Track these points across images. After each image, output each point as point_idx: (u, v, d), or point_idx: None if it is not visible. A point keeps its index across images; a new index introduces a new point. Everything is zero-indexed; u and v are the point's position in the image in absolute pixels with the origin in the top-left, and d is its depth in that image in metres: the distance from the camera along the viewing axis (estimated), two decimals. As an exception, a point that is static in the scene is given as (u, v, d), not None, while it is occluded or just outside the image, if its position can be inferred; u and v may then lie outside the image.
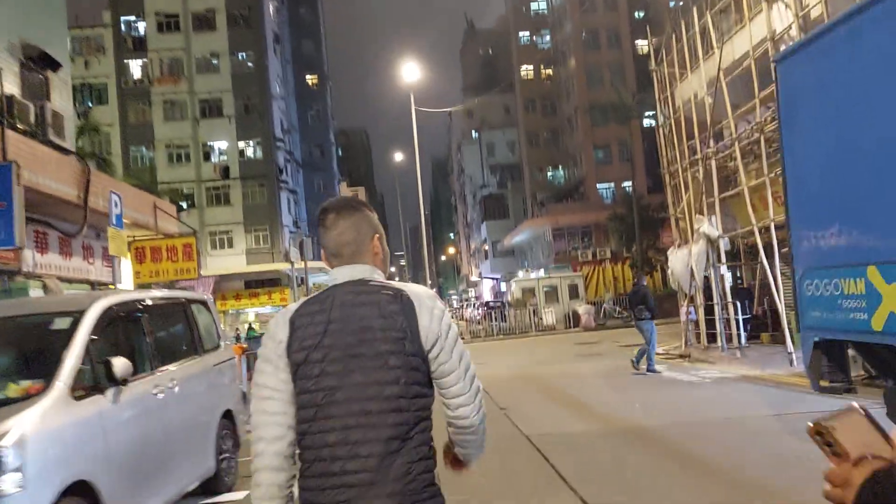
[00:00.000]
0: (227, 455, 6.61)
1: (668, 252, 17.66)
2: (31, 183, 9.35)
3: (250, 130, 46.12)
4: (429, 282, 46.29)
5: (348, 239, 1.90)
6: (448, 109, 67.74)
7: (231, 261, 43.17)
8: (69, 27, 18.31)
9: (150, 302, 5.73)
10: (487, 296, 63.95)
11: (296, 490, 1.78)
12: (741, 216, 15.91)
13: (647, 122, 50.82)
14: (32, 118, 12.45)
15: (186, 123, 45.52)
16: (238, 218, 44.89)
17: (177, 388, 5.62)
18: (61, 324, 4.76)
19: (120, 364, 4.64)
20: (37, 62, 12.66)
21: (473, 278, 74.46)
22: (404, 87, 29.38)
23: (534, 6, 65.62)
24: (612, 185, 53.65)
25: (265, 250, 44.41)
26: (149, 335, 5.50)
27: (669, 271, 17.43)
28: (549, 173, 62.71)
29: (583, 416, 9.38)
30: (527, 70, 64.10)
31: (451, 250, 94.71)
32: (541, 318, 30.96)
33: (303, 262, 16.87)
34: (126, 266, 12.61)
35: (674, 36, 18.08)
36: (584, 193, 54.72)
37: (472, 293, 75.66)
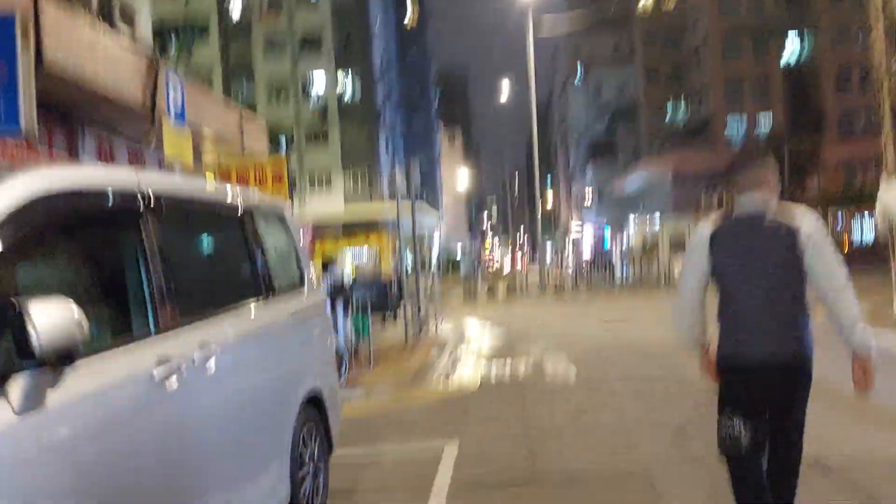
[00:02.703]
0: (310, 471, 3.89)
1: (882, 185, 13.60)
2: (76, 74, 6.95)
3: (350, 67, 43.81)
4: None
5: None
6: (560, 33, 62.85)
7: (329, 202, 41.57)
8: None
9: (158, 194, 2.89)
10: (587, 249, 59.57)
11: None
12: None
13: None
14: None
15: (286, 60, 43.71)
16: (336, 158, 43.00)
17: (213, 363, 2.86)
18: None
19: (50, 319, 1.90)
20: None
21: (575, 228, 70.33)
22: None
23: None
24: (744, 125, 47.86)
25: (363, 191, 42.46)
26: (153, 258, 2.71)
27: (879, 209, 13.41)
28: (669, 114, 57.06)
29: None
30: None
31: (553, 198, 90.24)
32: (672, 273, 27.20)
33: (410, 197, 14.03)
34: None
35: None
36: (710, 134, 49.20)
37: (569, 244, 70.83)
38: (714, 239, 3.04)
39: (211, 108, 11.93)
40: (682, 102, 55.41)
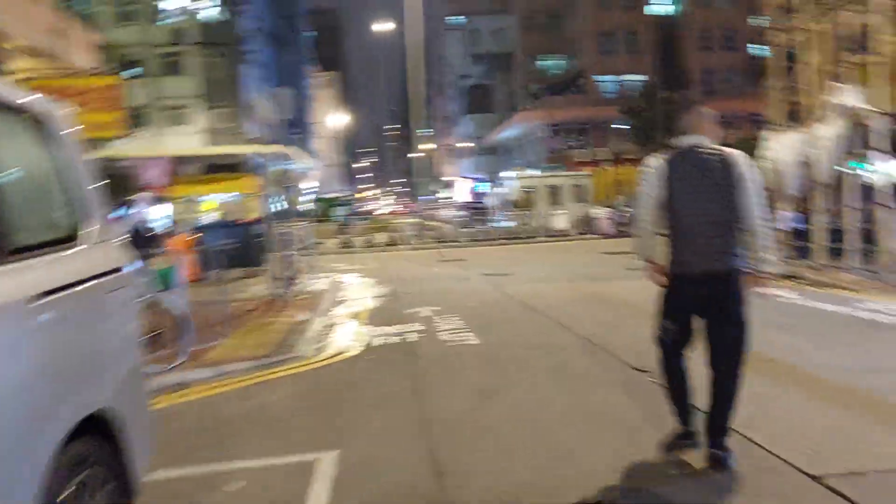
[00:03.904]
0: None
1: (765, 139, 13.26)
2: None
3: (210, -11, 39.45)
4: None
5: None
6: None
7: (188, 140, 37.80)
8: None
9: None
10: (464, 197, 59.17)
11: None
12: (873, 93, 11.55)
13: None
14: None
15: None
16: (195, 91, 38.94)
17: None
18: None
19: None
20: None
21: (450, 178, 69.54)
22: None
23: None
24: (616, 77, 48.40)
25: (227, 130, 38.91)
26: None
27: (765, 163, 13.10)
28: (544, 62, 56.81)
29: (812, 391, 5.29)
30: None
31: (430, 147, 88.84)
32: (550, 221, 26.82)
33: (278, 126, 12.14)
34: None
35: None
36: (583, 86, 49.40)
37: (445, 193, 70.44)
38: (664, 169, 3.68)
39: (13, 9, 9.35)
40: (558, 54, 55.28)
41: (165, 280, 6.91)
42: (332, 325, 9.09)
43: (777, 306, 9.06)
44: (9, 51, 9.73)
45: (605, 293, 11.09)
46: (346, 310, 10.55)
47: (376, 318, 9.57)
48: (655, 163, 3.72)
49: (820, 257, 12.12)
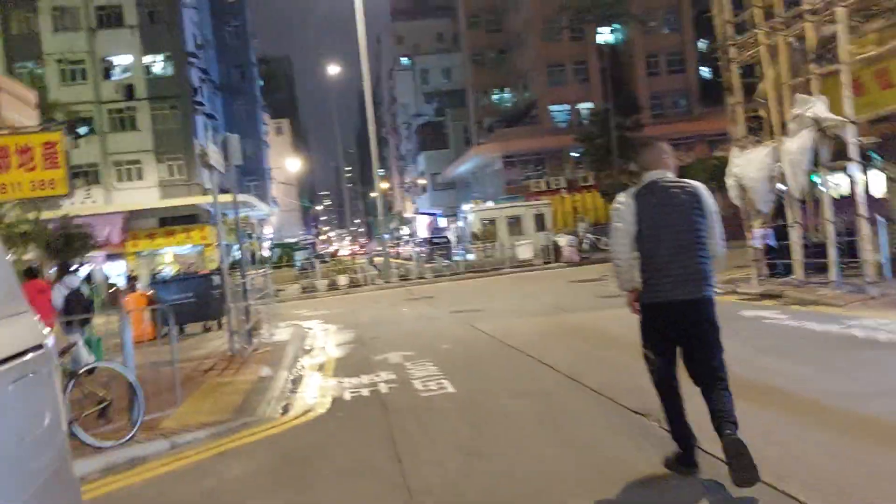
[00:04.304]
0: None
1: (731, 155, 13.16)
2: None
3: (158, 43, 38.91)
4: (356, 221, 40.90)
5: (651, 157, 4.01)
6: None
7: (142, 195, 36.90)
8: None
9: None
10: (423, 233, 58.98)
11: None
12: (834, 104, 11.54)
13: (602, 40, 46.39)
14: None
15: (81, 35, 37.91)
16: (147, 145, 38.13)
17: None
18: None
19: None
20: None
21: (408, 214, 69.23)
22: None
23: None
24: (568, 107, 49.00)
25: (180, 182, 38.06)
26: None
27: (731, 181, 12.98)
28: (496, 96, 57.38)
29: (814, 417, 4.89)
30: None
31: (385, 185, 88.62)
32: (514, 252, 26.50)
33: (228, 172, 11.63)
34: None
35: None
36: (536, 117, 49.85)
37: (404, 231, 70.31)
38: (633, 204, 3.89)
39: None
40: (509, 88, 55.92)
41: (99, 347, 6.29)
42: (296, 380, 8.46)
43: (766, 329, 8.76)
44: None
45: (582, 325, 10.68)
46: (311, 361, 9.92)
47: (344, 368, 8.96)
48: (625, 199, 3.92)
49: (798, 273, 11.94)
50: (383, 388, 7.42)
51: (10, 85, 11.50)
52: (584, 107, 46.70)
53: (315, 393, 7.65)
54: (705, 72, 47.17)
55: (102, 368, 6.22)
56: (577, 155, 42.56)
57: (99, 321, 9.61)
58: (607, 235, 22.43)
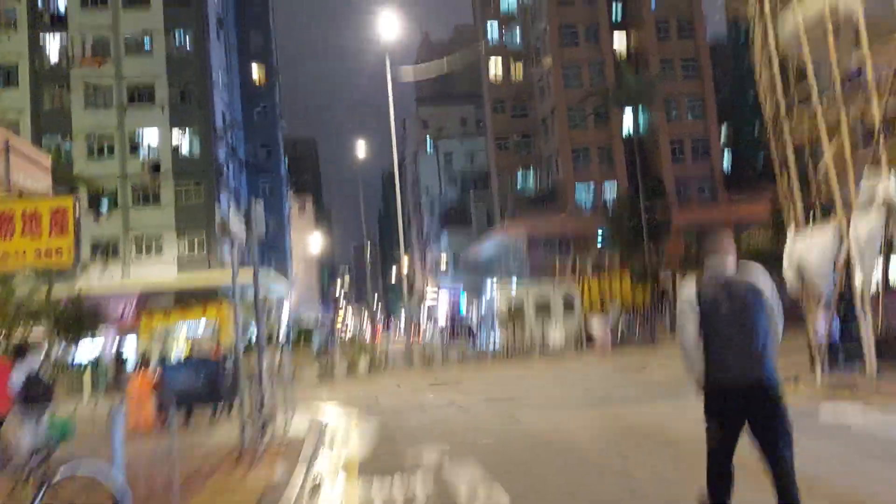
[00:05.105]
0: None
1: (789, 238, 12.13)
2: None
3: (186, 121, 39.48)
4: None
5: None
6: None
7: (160, 269, 36.41)
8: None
9: None
10: (443, 316, 57.66)
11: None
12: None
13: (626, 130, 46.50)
14: None
15: (111, 112, 38.59)
16: (169, 221, 37.94)
17: None
18: None
19: None
20: None
21: (430, 294, 68.14)
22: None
23: (503, 5, 60.47)
24: (593, 189, 48.65)
25: (200, 258, 37.62)
26: None
27: (789, 266, 11.88)
28: (520, 181, 57.41)
29: None
30: (495, 71, 58.71)
31: (408, 265, 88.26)
32: (545, 339, 25.24)
33: (251, 245, 10.77)
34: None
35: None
36: (561, 201, 49.50)
37: (422, 310, 68.42)
38: (698, 296, 4.09)
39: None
40: (532, 170, 55.98)
41: (63, 433, 5.31)
42: (315, 486, 7.26)
43: (853, 429, 7.52)
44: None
45: (645, 423, 9.37)
46: (332, 457, 8.73)
47: (371, 467, 7.75)
48: (689, 289, 4.11)
49: (870, 367, 10.68)
50: (420, 496, 6.22)
51: (20, 145, 10.95)
52: (609, 189, 46.34)
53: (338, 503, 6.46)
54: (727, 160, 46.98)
55: (83, 474, 5.12)
56: (601, 239, 41.92)
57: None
58: (638, 320, 21.02)
